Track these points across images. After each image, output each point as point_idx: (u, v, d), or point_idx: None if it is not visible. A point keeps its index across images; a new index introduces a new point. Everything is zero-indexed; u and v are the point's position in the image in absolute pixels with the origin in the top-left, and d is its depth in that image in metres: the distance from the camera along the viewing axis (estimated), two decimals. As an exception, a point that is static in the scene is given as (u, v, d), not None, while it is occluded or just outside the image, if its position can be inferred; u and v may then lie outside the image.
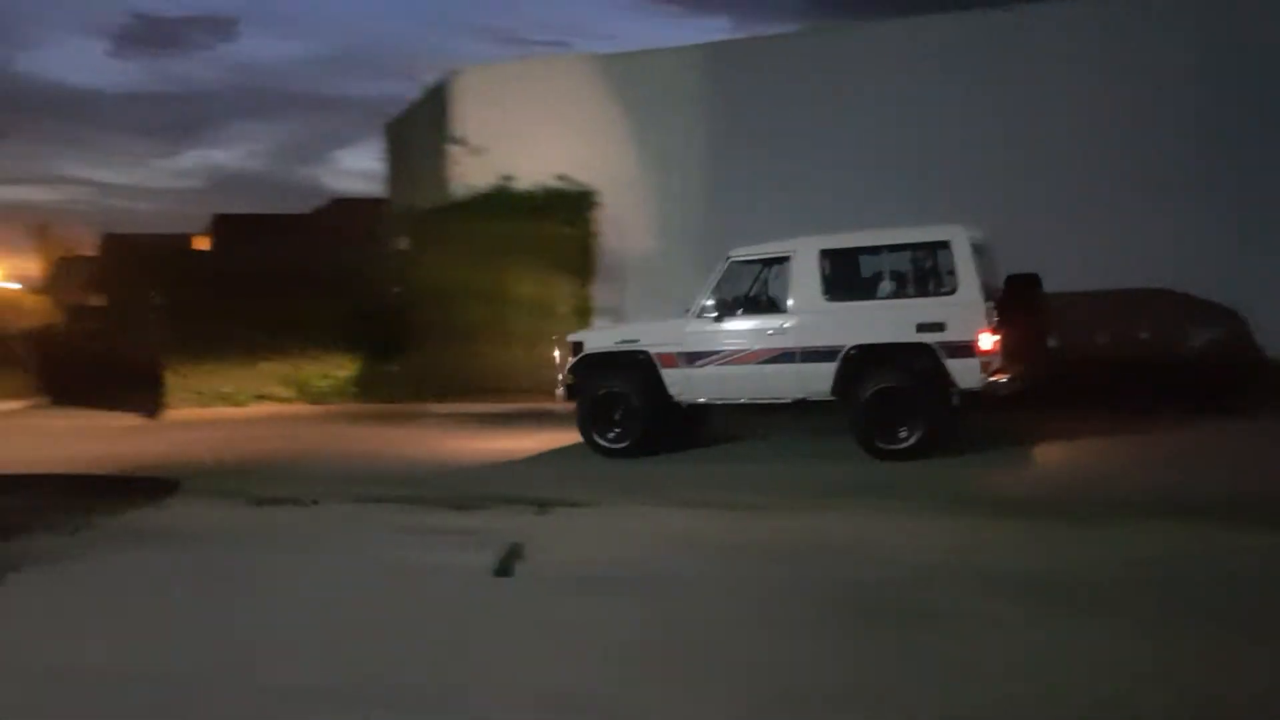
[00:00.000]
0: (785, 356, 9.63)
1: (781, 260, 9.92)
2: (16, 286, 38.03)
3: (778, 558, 6.13)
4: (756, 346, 9.77)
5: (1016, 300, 9.46)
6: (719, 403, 10.32)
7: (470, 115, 15.24)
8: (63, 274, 40.11)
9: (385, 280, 17.54)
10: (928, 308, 9.20)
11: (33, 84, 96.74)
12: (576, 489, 8.60)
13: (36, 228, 52.35)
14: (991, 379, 8.94)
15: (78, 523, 7.84)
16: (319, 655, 4.70)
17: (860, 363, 9.34)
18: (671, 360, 10.04)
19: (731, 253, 10.11)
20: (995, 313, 9.09)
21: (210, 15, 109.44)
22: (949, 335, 8.99)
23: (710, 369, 9.92)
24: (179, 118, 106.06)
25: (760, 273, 10.24)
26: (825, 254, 9.73)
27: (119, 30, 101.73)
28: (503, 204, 14.13)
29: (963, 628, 4.70)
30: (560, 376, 10.63)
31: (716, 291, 9.93)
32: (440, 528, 7.31)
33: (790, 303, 9.76)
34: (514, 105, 15.08)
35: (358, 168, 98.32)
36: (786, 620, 4.93)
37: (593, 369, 10.40)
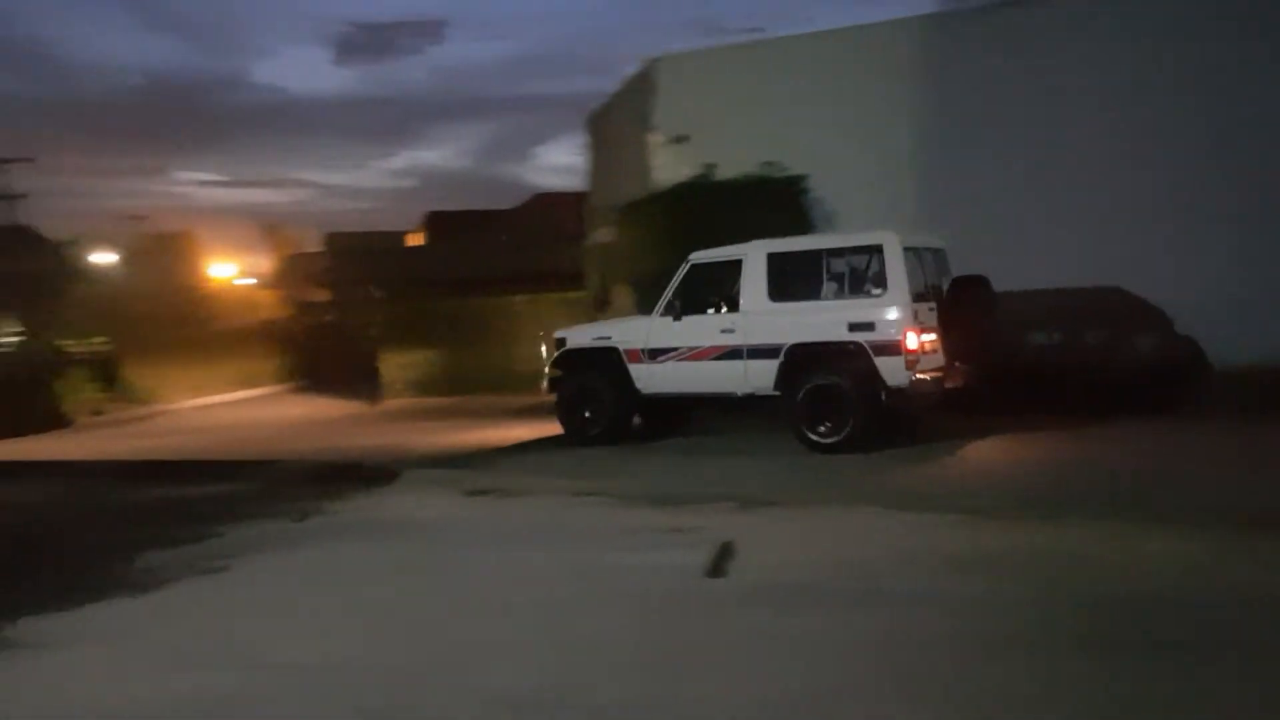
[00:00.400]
0: (734, 354, 10.23)
1: (735, 263, 10.41)
2: (251, 282, 40.95)
3: (1007, 571, 5.59)
4: (709, 344, 10.39)
5: (962, 301, 9.88)
6: (678, 396, 10.91)
7: (672, 103, 15.04)
8: (290, 270, 42.88)
9: (588, 272, 17.71)
10: (859, 308, 9.65)
11: (265, 92, 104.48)
12: (780, 486, 8.30)
13: (267, 227, 56.30)
14: (918, 377, 9.35)
15: (305, 510, 8.16)
16: (529, 658, 4.57)
17: (800, 360, 9.81)
18: (637, 356, 10.80)
19: (692, 256, 10.73)
20: (932, 314, 9.64)
21: (420, 20, 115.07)
22: (878, 335, 9.43)
23: (670, 364, 10.64)
24: (393, 120, 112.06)
25: (717, 275, 10.64)
26: (772, 257, 10.24)
27: (340, 39, 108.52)
28: (707, 192, 13.87)
29: (1229, 659, 4.12)
30: (546, 370, 11.63)
31: (678, 292, 10.57)
32: (646, 525, 7.15)
33: (741, 303, 10.30)
34: (717, 91, 14.78)
35: (559, 163, 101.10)
36: (1022, 643, 4.42)
37: (572, 363, 11.30)
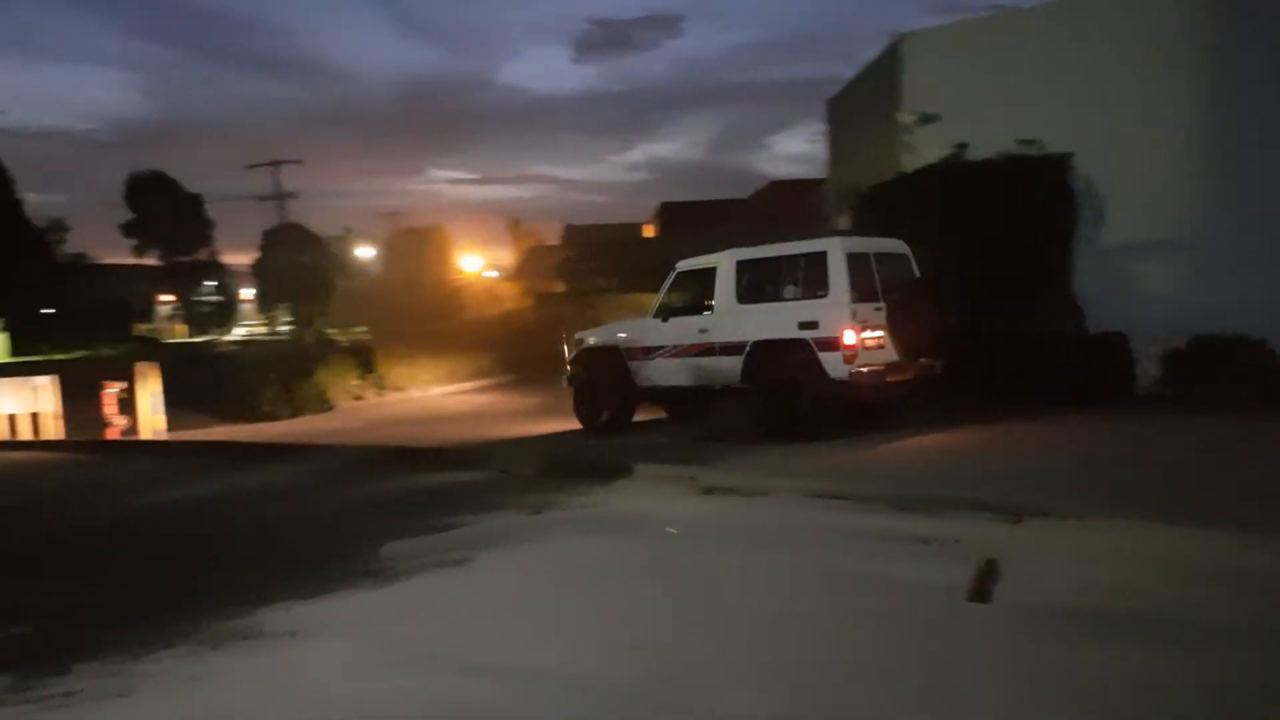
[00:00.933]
0: (709, 350, 11.42)
1: (711, 269, 11.56)
2: (494, 275, 42.73)
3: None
4: (690, 342, 11.59)
5: (914, 301, 10.58)
6: (667, 389, 12.07)
7: (919, 82, 14.13)
8: (531, 263, 44.41)
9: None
10: (807, 309, 10.57)
11: (509, 92, 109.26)
12: (1045, 492, 7.39)
13: (509, 222, 58.67)
14: (858, 370, 10.18)
15: (540, 502, 8.11)
16: (769, 680, 4.19)
17: (760, 355, 10.86)
18: (635, 354, 12.19)
19: (678, 264, 12.08)
20: (879, 314, 10.40)
21: (659, 15, 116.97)
22: (821, 332, 10.37)
23: (659, 361, 11.95)
24: (629, 115, 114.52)
25: (698, 280, 11.76)
26: (740, 264, 11.36)
27: (579, 37, 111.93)
28: (959, 174, 12.96)
29: None
30: (568, 367, 13.05)
31: (666, 296, 12.00)
32: (892, 532, 6.58)
33: (714, 305, 11.47)
34: (968, 67, 13.76)
35: (794, 151, 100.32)
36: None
37: (587, 360, 12.78)
